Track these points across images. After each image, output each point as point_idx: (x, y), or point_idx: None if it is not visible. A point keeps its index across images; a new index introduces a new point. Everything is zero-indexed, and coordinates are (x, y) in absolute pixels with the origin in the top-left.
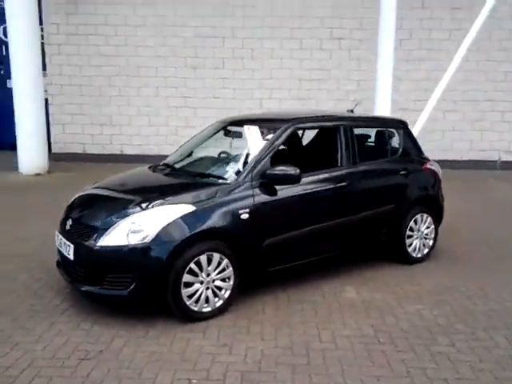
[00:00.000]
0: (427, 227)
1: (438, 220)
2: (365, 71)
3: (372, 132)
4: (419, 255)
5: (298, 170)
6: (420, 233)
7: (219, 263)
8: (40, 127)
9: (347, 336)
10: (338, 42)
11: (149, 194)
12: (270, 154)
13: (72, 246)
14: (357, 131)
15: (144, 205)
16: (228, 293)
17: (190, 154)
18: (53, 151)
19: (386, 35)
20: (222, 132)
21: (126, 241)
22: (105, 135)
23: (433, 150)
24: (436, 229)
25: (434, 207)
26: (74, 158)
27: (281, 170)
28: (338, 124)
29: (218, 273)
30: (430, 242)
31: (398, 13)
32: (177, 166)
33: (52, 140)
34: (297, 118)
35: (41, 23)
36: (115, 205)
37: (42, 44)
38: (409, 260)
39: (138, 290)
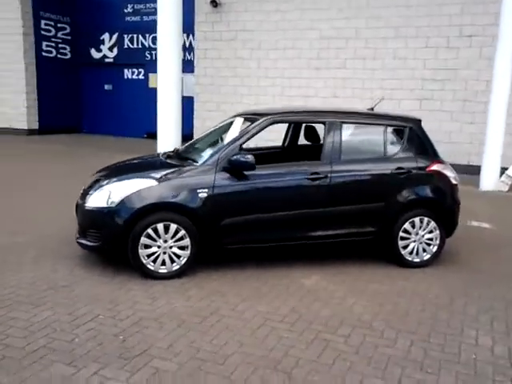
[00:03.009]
0: (430, 232)
1: (446, 227)
2: None
3: (371, 129)
4: (417, 260)
5: (251, 158)
6: (419, 237)
7: (176, 233)
8: (177, 120)
9: (259, 311)
10: (469, 39)
11: (133, 172)
12: (239, 142)
13: (75, 206)
14: (353, 128)
15: (120, 177)
16: (185, 260)
17: (197, 143)
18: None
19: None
20: (228, 124)
21: (100, 204)
22: None
23: None
24: (442, 235)
25: (439, 212)
26: None
27: (238, 156)
28: (322, 120)
29: (176, 241)
30: (434, 249)
31: None
32: (181, 152)
33: (194, 132)
34: (278, 112)
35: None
36: (108, 177)
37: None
38: (404, 263)
39: (105, 243)
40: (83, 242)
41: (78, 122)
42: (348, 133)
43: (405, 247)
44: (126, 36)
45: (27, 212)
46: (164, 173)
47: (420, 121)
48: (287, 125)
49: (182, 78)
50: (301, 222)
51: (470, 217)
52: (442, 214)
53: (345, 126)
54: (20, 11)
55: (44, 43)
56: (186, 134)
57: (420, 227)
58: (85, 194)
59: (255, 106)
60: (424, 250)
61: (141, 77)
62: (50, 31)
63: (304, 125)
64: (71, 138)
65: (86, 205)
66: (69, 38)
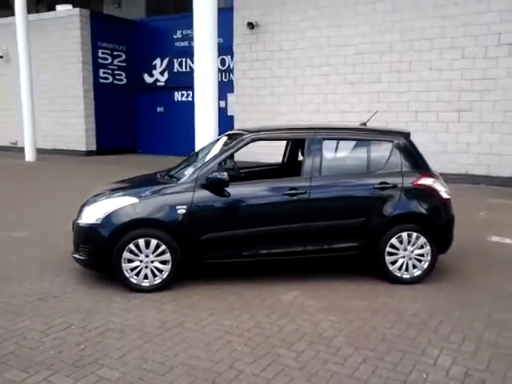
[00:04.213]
0: (420, 247)
1: (438, 242)
2: None
3: (355, 144)
4: (406, 276)
5: (225, 176)
6: (408, 252)
7: (158, 247)
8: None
9: (223, 325)
10: (509, 47)
11: (122, 189)
12: (218, 160)
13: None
14: (335, 144)
15: (107, 196)
16: (166, 274)
17: (186, 161)
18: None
19: None
20: (215, 142)
21: (88, 220)
22: None
23: None
24: (433, 251)
25: (429, 227)
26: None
27: (215, 174)
28: (303, 136)
29: (157, 255)
30: (425, 265)
31: None
32: (171, 170)
33: None
34: (259, 130)
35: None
36: (102, 194)
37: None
38: (393, 279)
39: (92, 258)
40: (76, 256)
41: (133, 143)
42: (330, 148)
43: (393, 263)
44: (175, 60)
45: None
46: (146, 190)
47: (408, 134)
48: (285, 142)
49: (227, 97)
50: (279, 238)
51: (492, 231)
52: (432, 230)
53: (326, 142)
54: (80, 43)
55: (101, 70)
56: None
57: (408, 242)
58: (80, 211)
59: (292, 122)
60: (414, 266)
61: (189, 99)
62: (106, 59)
63: (302, 141)
64: (124, 159)
65: (78, 221)
66: (124, 64)
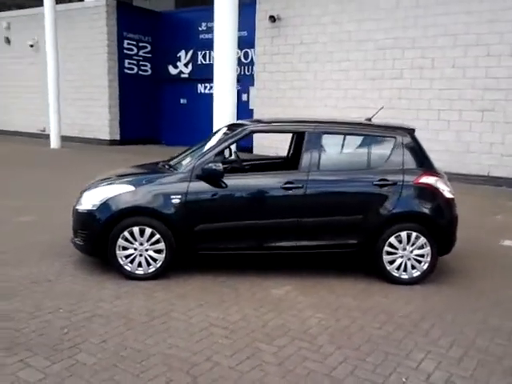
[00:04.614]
0: (420, 248)
1: (440, 243)
2: None
3: (356, 139)
4: (405, 276)
5: (220, 167)
6: (407, 252)
7: (152, 236)
8: None
9: (209, 316)
10: None
11: (122, 177)
12: (214, 151)
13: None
14: (335, 138)
15: (105, 182)
16: (160, 263)
17: (186, 152)
18: (254, 152)
19: None
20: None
21: (86, 206)
22: None
23: None
24: (433, 252)
25: (430, 227)
26: None
27: (210, 165)
28: (302, 130)
29: (152, 244)
30: (424, 266)
31: None
32: (171, 160)
33: (254, 143)
34: (258, 122)
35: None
36: (101, 181)
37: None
38: (390, 278)
39: (88, 244)
40: (74, 241)
41: (156, 134)
42: (330, 143)
43: (391, 262)
44: (199, 53)
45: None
46: (143, 179)
47: (413, 130)
48: (291, 135)
49: (249, 91)
50: (273, 232)
51: (506, 235)
52: (433, 230)
53: (326, 136)
54: (106, 33)
55: (126, 61)
56: (246, 146)
57: (408, 242)
58: (79, 197)
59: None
60: (413, 267)
61: (212, 91)
62: (132, 50)
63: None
64: (146, 148)
65: (77, 207)
66: (149, 55)
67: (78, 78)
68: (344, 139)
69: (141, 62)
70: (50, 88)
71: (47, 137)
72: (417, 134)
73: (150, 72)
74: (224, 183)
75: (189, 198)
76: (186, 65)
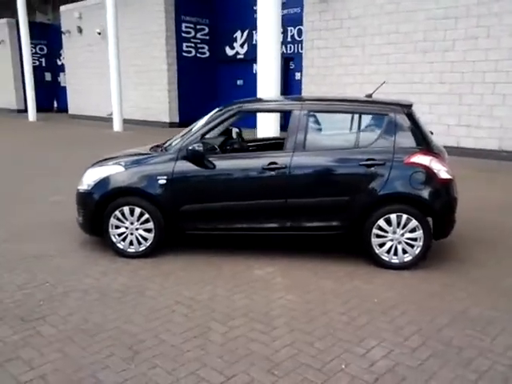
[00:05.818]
0: (411, 231)
1: (436, 226)
2: None
3: (345, 117)
4: (395, 260)
5: (201, 148)
6: (397, 235)
7: (141, 216)
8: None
9: (180, 295)
10: None
11: (115, 159)
12: (200, 131)
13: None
14: (323, 116)
15: (99, 164)
16: (149, 242)
17: (181, 133)
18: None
19: None
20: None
21: (84, 186)
22: None
23: None
24: (426, 236)
25: (423, 210)
26: None
27: (194, 145)
28: (288, 108)
29: (141, 223)
30: (417, 250)
31: None
32: (166, 142)
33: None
34: (245, 102)
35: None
36: (102, 162)
37: None
38: (380, 262)
39: (85, 221)
40: (78, 220)
41: None
42: (316, 121)
43: (381, 245)
44: (254, 32)
45: None
46: (133, 160)
47: (409, 106)
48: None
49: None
50: (257, 213)
51: None
52: (426, 212)
53: (312, 114)
54: (164, 17)
55: (184, 44)
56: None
57: (398, 225)
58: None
59: (358, 94)
60: (405, 251)
61: None
62: (189, 33)
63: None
64: None
65: (78, 187)
66: (207, 38)
67: (141, 63)
68: (332, 118)
69: (198, 45)
70: (111, 73)
71: None
72: (462, 109)
73: (207, 54)
74: (212, 164)
75: (174, 178)
76: (241, 45)
